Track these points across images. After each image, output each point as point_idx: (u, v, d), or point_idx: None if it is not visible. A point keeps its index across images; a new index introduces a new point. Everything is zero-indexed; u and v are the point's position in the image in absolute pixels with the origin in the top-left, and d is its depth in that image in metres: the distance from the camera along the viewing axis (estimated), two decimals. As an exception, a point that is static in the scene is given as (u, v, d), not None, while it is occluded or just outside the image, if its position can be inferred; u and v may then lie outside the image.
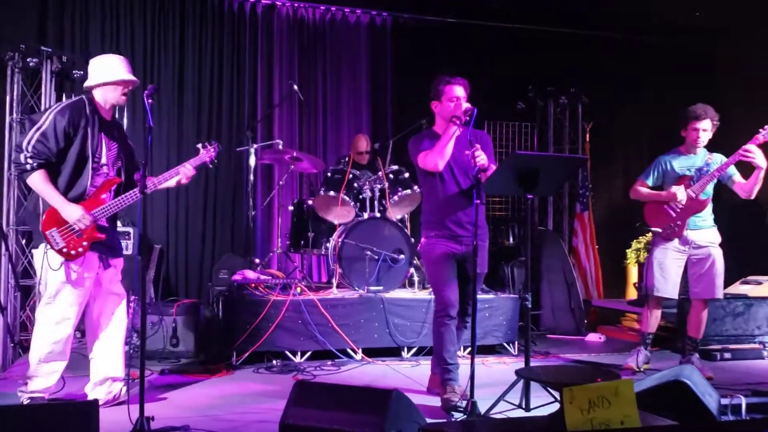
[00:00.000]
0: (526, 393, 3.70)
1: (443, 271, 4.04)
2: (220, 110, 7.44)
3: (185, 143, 7.27)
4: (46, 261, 3.69)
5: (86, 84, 3.90)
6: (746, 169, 4.81)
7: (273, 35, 7.63)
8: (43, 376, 3.81)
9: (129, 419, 3.30)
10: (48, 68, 6.45)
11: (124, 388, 4.08)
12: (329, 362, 5.19)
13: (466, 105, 3.97)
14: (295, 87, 6.27)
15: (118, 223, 6.60)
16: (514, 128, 8.34)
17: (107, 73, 3.87)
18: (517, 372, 3.24)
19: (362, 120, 7.88)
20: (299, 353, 5.23)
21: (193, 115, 7.34)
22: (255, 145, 6.16)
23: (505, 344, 5.73)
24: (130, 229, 6.57)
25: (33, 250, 3.84)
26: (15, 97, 6.25)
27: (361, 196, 5.82)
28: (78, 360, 5.06)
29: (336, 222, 5.89)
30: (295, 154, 5.95)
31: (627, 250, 8.09)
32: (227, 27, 7.47)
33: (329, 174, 5.86)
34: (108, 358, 4.08)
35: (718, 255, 4.98)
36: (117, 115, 4.43)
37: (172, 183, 4.04)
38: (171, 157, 7.21)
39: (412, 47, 8.01)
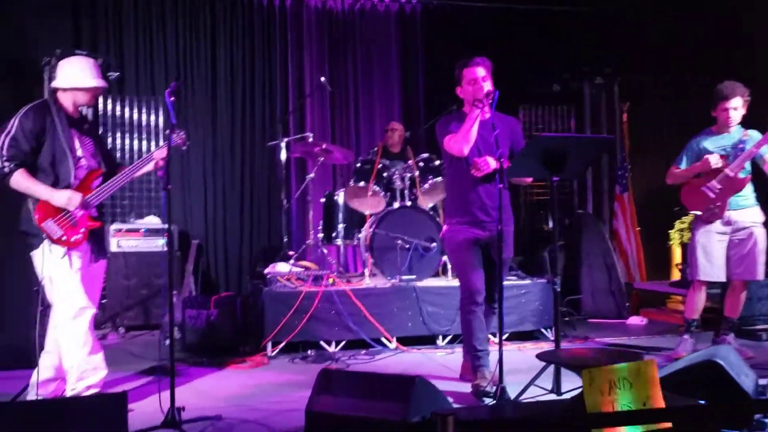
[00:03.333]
0: (556, 377, 3.66)
1: (467, 257, 4.01)
2: (252, 105, 7.50)
3: (219, 140, 7.38)
4: (48, 255, 3.69)
5: (54, 84, 3.89)
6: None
7: (302, 28, 7.65)
8: (91, 373, 3.80)
9: (161, 410, 3.37)
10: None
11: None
12: (363, 351, 5.21)
13: (488, 87, 3.92)
14: (323, 79, 6.27)
15: (156, 219, 6.82)
16: (550, 112, 8.23)
17: (78, 78, 3.86)
18: (539, 356, 3.20)
19: (394, 109, 7.85)
20: (333, 343, 5.26)
21: (226, 110, 7.42)
22: (285, 139, 6.18)
23: (543, 330, 5.66)
24: (167, 227, 6.74)
25: (32, 254, 3.77)
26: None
27: (391, 186, 5.81)
28: (118, 355, 5.24)
29: (367, 212, 5.89)
30: (324, 147, 5.96)
31: (670, 231, 7.89)
32: (257, 22, 7.53)
33: (359, 165, 5.87)
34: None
35: (761, 235, 4.82)
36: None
37: (150, 167, 4.04)
38: (206, 153, 7.32)
39: (442, 34, 7.94)
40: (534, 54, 7.99)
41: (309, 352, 5.12)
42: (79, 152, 3.87)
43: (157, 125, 7.18)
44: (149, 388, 4.18)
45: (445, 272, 5.80)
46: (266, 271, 5.53)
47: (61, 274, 3.76)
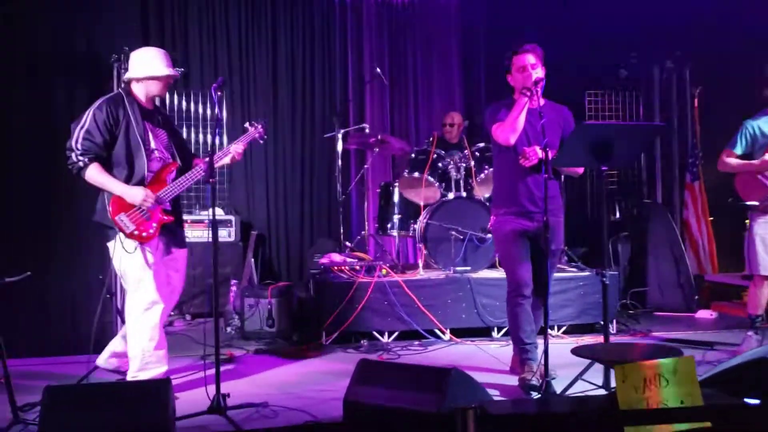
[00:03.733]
0: (606, 372, 3.55)
1: (513, 249, 3.94)
2: (312, 97, 7.57)
3: (280, 132, 7.48)
4: (121, 249, 3.79)
5: (127, 75, 3.98)
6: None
7: (362, 18, 7.65)
8: (154, 366, 3.90)
9: (207, 396, 3.45)
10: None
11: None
12: (416, 342, 5.19)
13: (536, 75, 3.82)
14: (378, 70, 6.27)
15: (220, 211, 6.98)
16: (617, 98, 7.98)
17: (150, 67, 3.93)
18: (573, 350, 3.11)
19: (454, 98, 7.78)
20: (386, 333, 5.27)
21: (287, 102, 7.51)
22: (342, 130, 6.21)
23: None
24: (232, 217, 6.91)
25: (107, 244, 3.88)
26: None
27: (446, 176, 5.76)
28: (181, 341, 5.41)
29: (422, 203, 5.86)
30: (380, 137, 5.96)
31: (746, 221, 7.55)
32: (317, 13, 7.58)
33: (414, 155, 5.84)
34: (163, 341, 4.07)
35: None
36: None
37: (226, 161, 4.13)
38: (268, 144, 7.43)
39: (504, 19, 7.79)
40: (598, 38, 7.75)
41: (362, 342, 5.15)
42: (153, 144, 3.94)
43: (220, 117, 7.32)
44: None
45: (501, 264, 5.71)
46: (321, 261, 5.58)
47: (133, 267, 3.87)
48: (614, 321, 5.52)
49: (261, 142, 4.33)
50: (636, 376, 2.29)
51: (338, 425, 2.75)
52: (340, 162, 6.29)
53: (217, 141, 3.90)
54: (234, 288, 6.02)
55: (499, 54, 7.34)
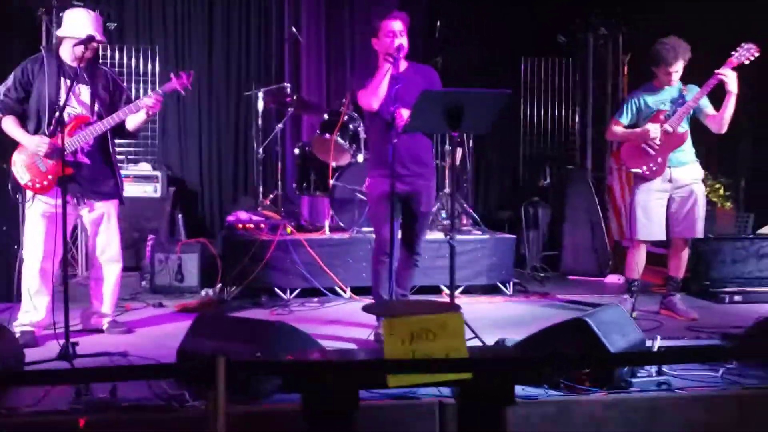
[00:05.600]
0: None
1: (381, 210, 4.05)
2: (248, 55, 7.60)
3: (215, 90, 7.54)
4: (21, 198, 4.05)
5: (57, 32, 4.20)
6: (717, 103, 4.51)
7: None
8: (30, 311, 4.11)
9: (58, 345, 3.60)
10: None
11: (106, 322, 4.40)
12: (315, 299, 5.35)
13: (398, 42, 3.90)
14: (294, 29, 6.33)
15: (147, 166, 7.08)
16: (554, 64, 8.05)
17: (75, 28, 4.07)
18: (364, 308, 3.28)
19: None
20: (288, 291, 5.42)
21: (222, 59, 7.53)
22: (262, 89, 6.29)
23: (500, 284, 5.67)
24: (158, 173, 7.00)
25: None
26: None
27: (358, 138, 5.84)
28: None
29: (332, 164, 5.96)
30: (295, 97, 6.04)
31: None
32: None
33: (326, 117, 5.92)
34: (96, 294, 4.37)
35: (700, 192, 4.74)
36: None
37: (141, 116, 4.21)
38: (202, 100, 7.50)
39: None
40: (538, 3, 7.79)
41: (262, 298, 5.30)
42: (67, 100, 4.01)
43: (153, 72, 7.37)
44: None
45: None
46: (228, 218, 5.71)
47: (28, 216, 4.11)
48: (510, 282, 5.69)
49: (183, 93, 4.40)
50: (403, 329, 2.43)
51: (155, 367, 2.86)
52: (260, 121, 6.39)
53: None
54: (150, 243, 6.15)
55: (441, 22, 7.48)
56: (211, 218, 7.68)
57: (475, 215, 6.03)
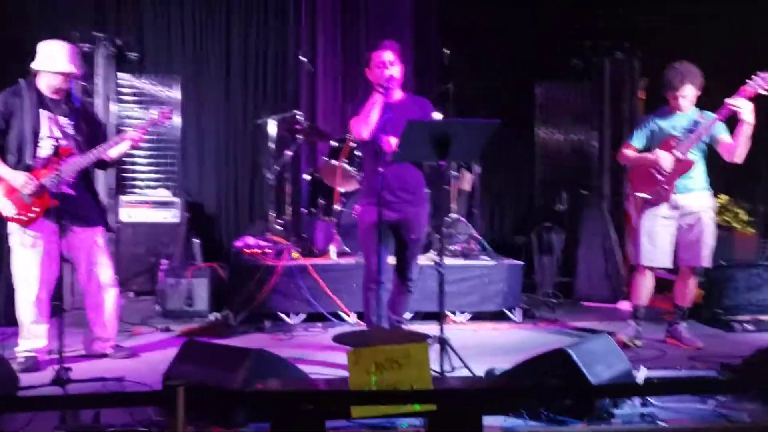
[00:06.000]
0: (440, 359, 3.72)
1: (370, 238, 4.07)
2: (265, 87, 7.74)
3: (232, 116, 7.69)
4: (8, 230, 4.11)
5: (31, 65, 4.18)
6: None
7: (316, 6, 7.77)
8: (30, 338, 4.21)
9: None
10: (101, 53, 6.99)
11: (110, 346, 4.48)
12: (320, 324, 5.38)
13: (389, 73, 3.95)
14: (304, 59, 6.42)
15: (166, 192, 7.22)
16: (568, 88, 8.02)
17: (48, 62, 4.15)
18: (334, 338, 3.29)
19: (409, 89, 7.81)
20: (294, 315, 5.46)
21: (239, 87, 7.68)
22: (275, 117, 6.41)
23: (506, 310, 5.63)
24: (176, 199, 7.14)
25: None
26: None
27: (364, 164, 5.88)
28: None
29: (340, 190, 6.01)
30: (306, 125, 6.12)
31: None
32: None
33: (335, 143, 5.99)
34: (95, 321, 4.45)
35: (708, 221, 4.66)
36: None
37: (124, 147, 4.32)
38: (220, 129, 7.66)
39: (459, 8, 7.86)
40: (553, 28, 7.79)
41: (265, 323, 5.34)
42: (48, 132, 4.13)
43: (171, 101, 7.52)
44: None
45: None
46: (236, 243, 5.79)
47: (15, 247, 4.17)
48: (518, 309, 5.65)
49: (166, 124, 4.52)
50: (368, 360, 2.45)
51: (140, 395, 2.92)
52: (273, 147, 6.50)
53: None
54: (163, 268, 6.26)
55: (453, 45, 7.53)
56: (228, 243, 7.75)
57: (482, 240, 6.02)
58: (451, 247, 5.92)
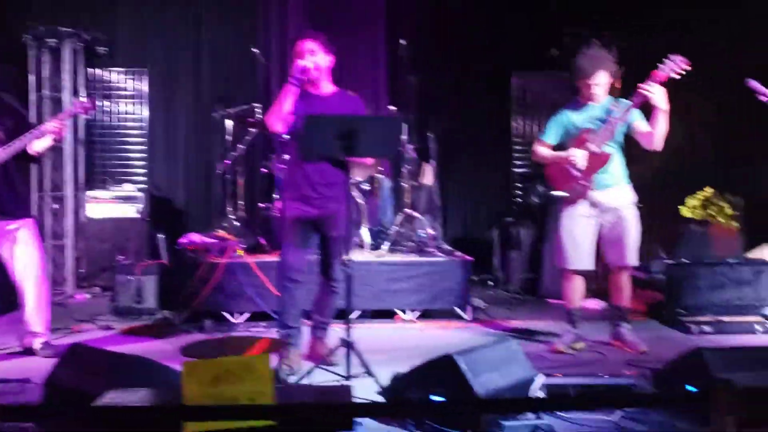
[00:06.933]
0: (347, 361, 3.60)
1: (289, 234, 3.96)
2: (234, 80, 7.60)
3: (201, 111, 7.59)
4: None
5: None
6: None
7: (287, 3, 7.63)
8: None
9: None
10: (68, 47, 6.93)
11: (39, 342, 4.43)
12: (263, 323, 5.26)
13: (303, 63, 3.80)
14: (256, 51, 6.30)
15: (131, 187, 7.17)
16: (547, 78, 7.79)
17: None
18: (183, 350, 3.16)
19: (379, 86, 7.62)
20: (237, 314, 5.35)
21: (210, 86, 7.59)
22: (231, 110, 6.31)
23: (457, 309, 5.47)
24: (140, 194, 7.08)
25: None
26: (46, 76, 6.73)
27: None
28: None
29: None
30: (257, 118, 6.01)
31: (680, 207, 7.31)
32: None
33: (288, 137, 5.84)
34: (27, 315, 4.43)
35: (630, 216, 4.39)
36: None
37: (47, 141, 4.25)
38: (188, 124, 7.58)
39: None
40: (531, 17, 7.57)
41: (206, 322, 5.24)
42: None
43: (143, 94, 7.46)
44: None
45: (361, 247, 5.70)
46: (180, 241, 5.71)
47: None
48: (469, 307, 5.48)
49: (86, 116, 4.44)
50: (204, 372, 2.33)
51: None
52: (230, 139, 6.41)
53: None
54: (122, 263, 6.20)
55: (426, 40, 7.34)
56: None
57: (438, 236, 5.86)
58: (407, 243, 5.78)
